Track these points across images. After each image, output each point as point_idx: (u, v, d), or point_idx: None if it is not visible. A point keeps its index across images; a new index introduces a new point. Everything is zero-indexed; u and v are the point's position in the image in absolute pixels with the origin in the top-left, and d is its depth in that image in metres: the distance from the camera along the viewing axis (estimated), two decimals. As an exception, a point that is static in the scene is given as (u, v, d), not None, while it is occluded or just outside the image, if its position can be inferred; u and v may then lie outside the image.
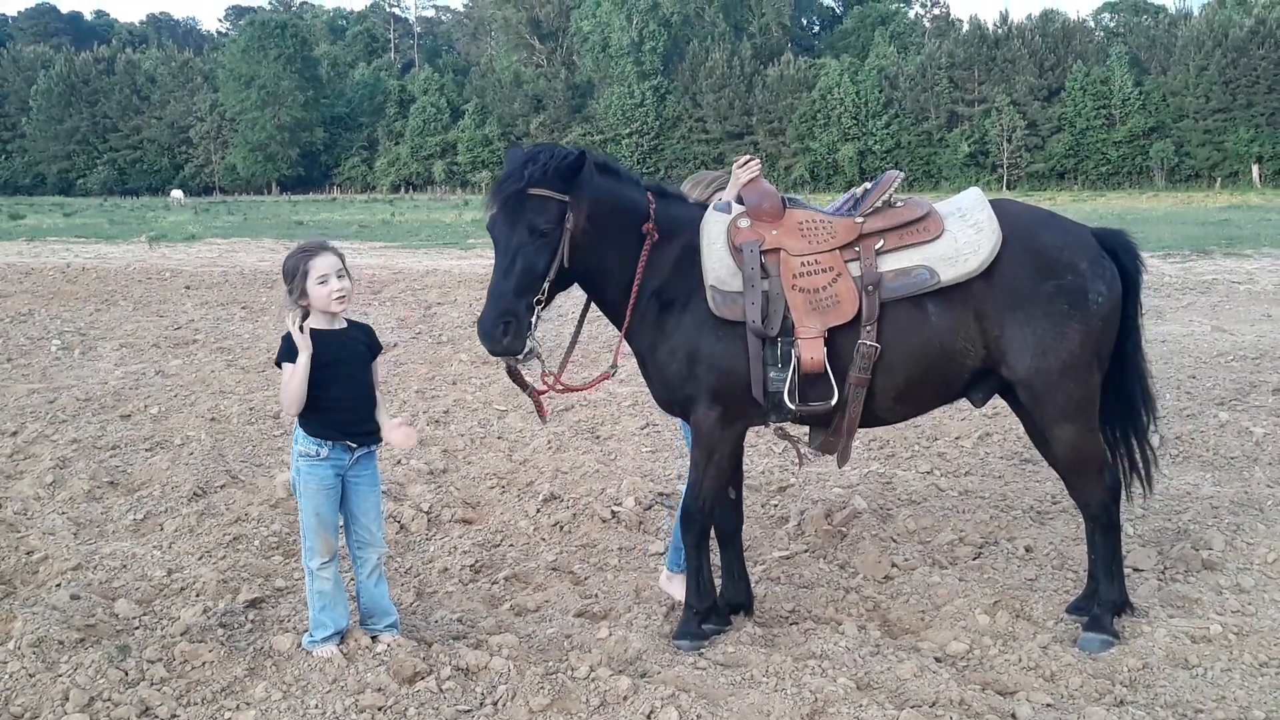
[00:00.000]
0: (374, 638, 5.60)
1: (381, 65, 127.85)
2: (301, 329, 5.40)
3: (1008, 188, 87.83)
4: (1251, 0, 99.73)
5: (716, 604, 5.95)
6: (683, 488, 8.17)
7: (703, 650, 5.64)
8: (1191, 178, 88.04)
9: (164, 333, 16.25)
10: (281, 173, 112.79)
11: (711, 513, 5.87)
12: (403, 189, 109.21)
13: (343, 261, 5.55)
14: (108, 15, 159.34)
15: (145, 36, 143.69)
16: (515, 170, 5.47)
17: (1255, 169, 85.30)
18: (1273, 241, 29.73)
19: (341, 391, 5.52)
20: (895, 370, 5.60)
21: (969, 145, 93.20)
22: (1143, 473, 6.15)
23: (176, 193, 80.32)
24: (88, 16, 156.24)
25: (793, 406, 5.59)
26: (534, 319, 5.36)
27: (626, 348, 5.98)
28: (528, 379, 5.75)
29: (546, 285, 5.38)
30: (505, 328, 5.31)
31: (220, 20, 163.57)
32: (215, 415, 10.80)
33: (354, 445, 5.56)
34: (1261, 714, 4.91)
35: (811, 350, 5.48)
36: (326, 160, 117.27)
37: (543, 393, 5.90)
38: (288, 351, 5.48)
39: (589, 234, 5.53)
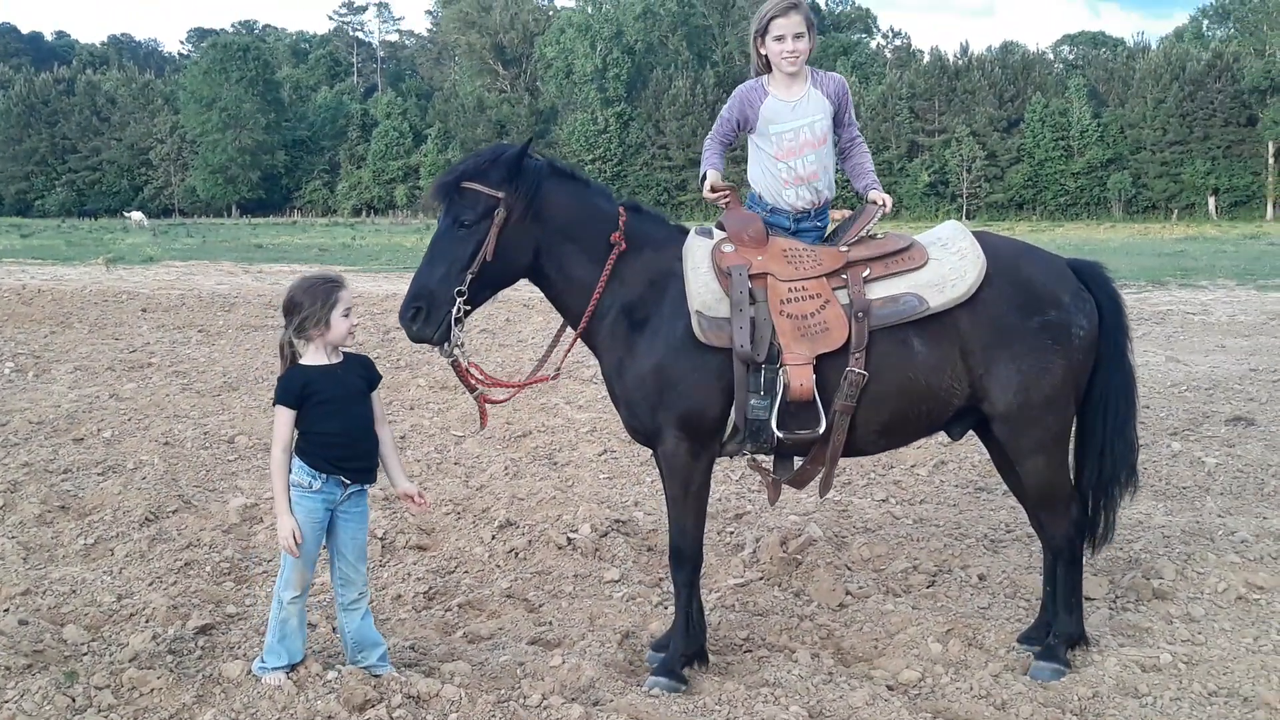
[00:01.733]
0: (369, 668, 5.53)
1: (344, 89, 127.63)
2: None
3: (967, 217, 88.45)
4: (1208, 35, 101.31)
5: (704, 649, 5.83)
6: (639, 514, 8.22)
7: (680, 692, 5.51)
8: (1148, 209, 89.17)
9: (119, 356, 16.11)
10: (242, 195, 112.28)
11: (700, 546, 5.81)
12: (364, 213, 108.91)
13: None
14: (68, 36, 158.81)
15: (106, 57, 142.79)
16: (456, 164, 5.67)
17: (1211, 201, 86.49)
18: (1227, 273, 30.07)
19: (336, 427, 5.46)
20: (881, 404, 5.58)
21: (929, 175, 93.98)
22: (1099, 528, 6.08)
23: (137, 214, 79.71)
24: (48, 37, 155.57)
25: (780, 435, 5.55)
26: (454, 310, 5.41)
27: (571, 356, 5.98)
28: (473, 381, 5.73)
29: (469, 277, 5.42)
30: (415, 313, 5.45)
31: (182, 42, 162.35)
32: (169, 439, 10.71)
33: (348, 481, 5.52)
34: (1210, 743, 4.95)
35: (800, 377, 5.43)
36: (287, 183, 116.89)
37: (493, 401, 5.94)
38: (284, 393, 5.45)
39: (535, 234, 5.58)
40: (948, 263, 5.61)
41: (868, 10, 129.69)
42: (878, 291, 5.58)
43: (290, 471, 5.44)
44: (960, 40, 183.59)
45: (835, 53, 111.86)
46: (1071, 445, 5.98)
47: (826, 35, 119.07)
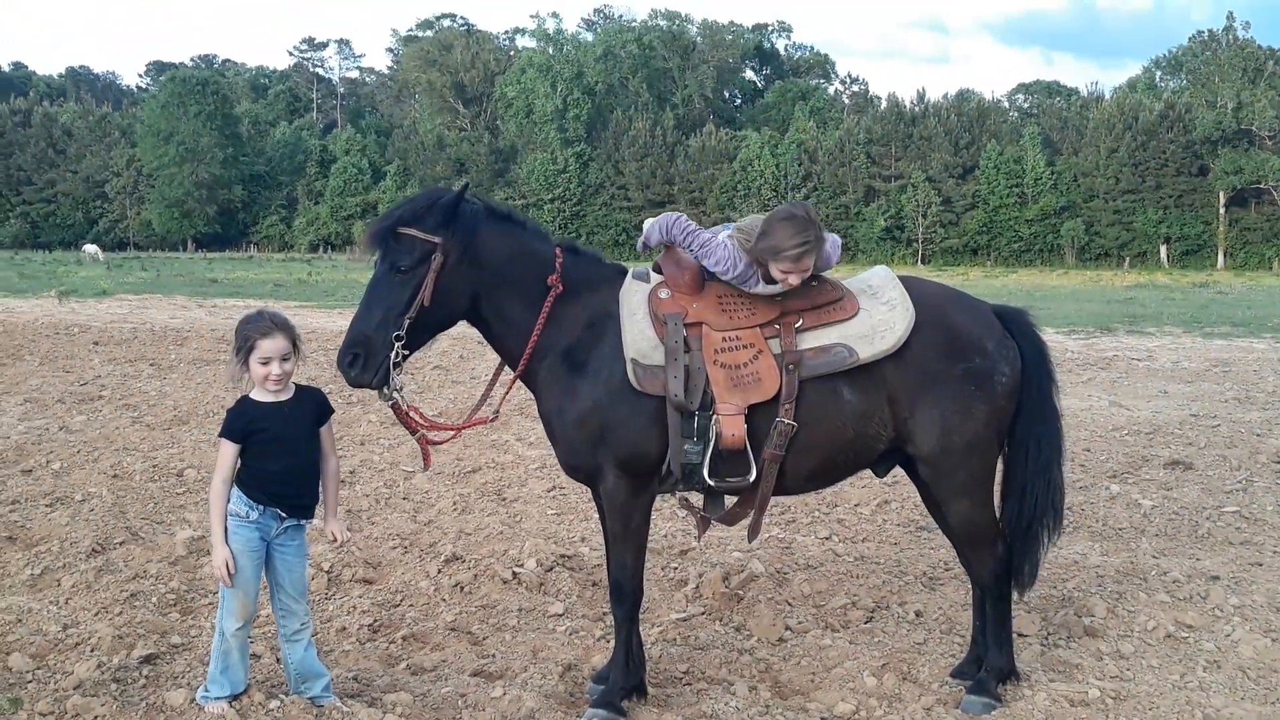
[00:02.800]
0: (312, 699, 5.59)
1: (303, 124, 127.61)
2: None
3: (923, 262, 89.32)
4: (1161, 85, 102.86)
5: (643, 681, 5.90)
6: (585, 550, 8.30)
7: None
8: (1101, 256, 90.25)
9: (70, 388, 16.05)
10: (198, 229, 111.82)
11: (640, 581, 5.90)
12: (321, 249, 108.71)
13: (294, 342, 5.56)
14: (26, 67, 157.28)
15: (64, 89, 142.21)
16: (391, 209, 5.69)
17: (1163, 249, 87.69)
18: (1174, 320, 30.55)
19: (280, 465, 5.53)
20: (809, 452, 5.67)
21: (885, 220, 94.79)
22: (1023, 568, 6.12)
23: (91, 247, 79.02)
24: (5, 68, 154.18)
25: (711, 483, 5.64)
26: (392, 355, 5.45)
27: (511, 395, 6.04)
28: (414, 423, 5.77)
29: (406, 322, 5.46)
30: (354, 359, 5.46)
31: (141, 75, 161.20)
32: (117, 472, 10.71)
33: (284, 515, 5.58)
34: (1132, 775, 5.08)
35: (732, 427, 5.51)
36: (244, 218, 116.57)
37: (434, 443, 5.96)
38: (228, 428, 5.53)
39: (472, 279, 5.62)
40: (877, 314, 5.71)
41: (826, 56, 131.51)
42: (809, 342, 5.67)
43: (229, 501, 5.52)
44: (917, 87, 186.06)
45: (794, 98, 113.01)
46: (998, 485, 6.12)
47: (785, 80, 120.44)
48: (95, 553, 8.14)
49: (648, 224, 5.97)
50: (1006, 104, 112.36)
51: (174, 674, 6.01)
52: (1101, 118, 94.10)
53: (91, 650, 6.27)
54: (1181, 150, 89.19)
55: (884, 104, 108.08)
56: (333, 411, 5.82)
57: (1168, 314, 33.09)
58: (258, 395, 5.57)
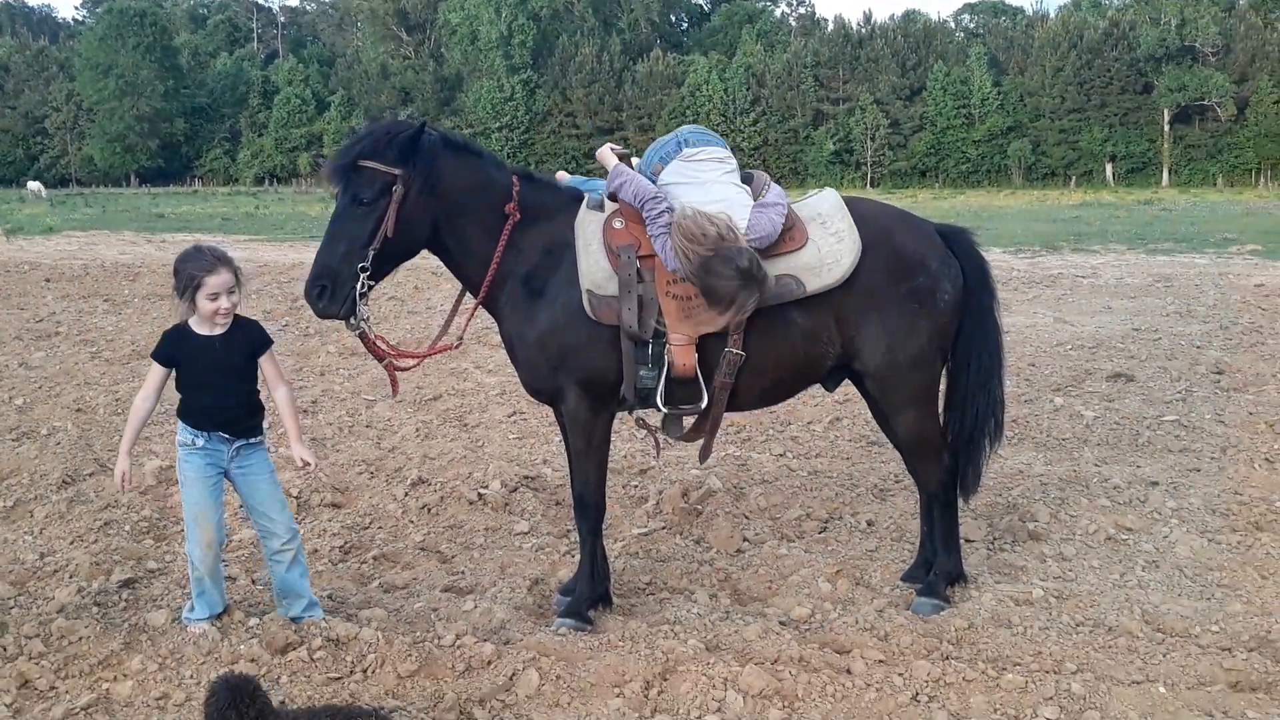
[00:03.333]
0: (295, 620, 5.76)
1: (244, 55, 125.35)
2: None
3: (871, 185, 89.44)
4: (1105, 3, 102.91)
5: (608, 592, 6.17)
6: (548, 471, 8.52)
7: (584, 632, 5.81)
8: (1048, 176, 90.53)
9: (26, 325, 16.07)
10: (141, 164, 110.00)
11: (603, 495, 6.12)
12: (267, 181, 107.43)
13: (237, 275, 5.67)
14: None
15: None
16: (350, 143, 5.75)
17: (1109, 167, 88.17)
18: (1119, 238, 30.93)
19: (208, 401, 5.68)
20: (760, 373, 5.89)
21: (834, 143, 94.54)
22: (967, 476, 6.36)
23: (35, 184, 77.62)
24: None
25: (665, 410, 5.87)
26: (358, 286, 5.59)
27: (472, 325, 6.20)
28: (381, 351, 5.91)
29: (371, 253, 5.57)
30: (320, 291, 5.61)
31: (77, 8, 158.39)
32: (81, 406, 10.82)
33: (229, 437, 5.72)
34: (1073, 666, 5.35)
35: (684, 357, 5.72)
36: (188, 152, 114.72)
37: (401, 369, 6.12)
38: (157, 350, 5.72)
39: (432, 208, 5.73)
40: (825, 245, 5.84)
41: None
42: None
43: (178, 432, 5.72)
44: (863, 9, 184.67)
45: (740, 21, 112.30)
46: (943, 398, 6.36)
47: (732, 3, 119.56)
48: (66, 484, 8.30)
49: (619, 174, 5.93)
50: (953, 24, 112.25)
51: (153, 596, 6.21)
52: (1047, 37, 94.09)
53: (70, 576, 6.46)
54: (1126, 68, 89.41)
55: (831, 26, 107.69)
56: (271, 342, 5.92)
57: (1112, 231, 33.50)
58: (195, 326, 5.69)
